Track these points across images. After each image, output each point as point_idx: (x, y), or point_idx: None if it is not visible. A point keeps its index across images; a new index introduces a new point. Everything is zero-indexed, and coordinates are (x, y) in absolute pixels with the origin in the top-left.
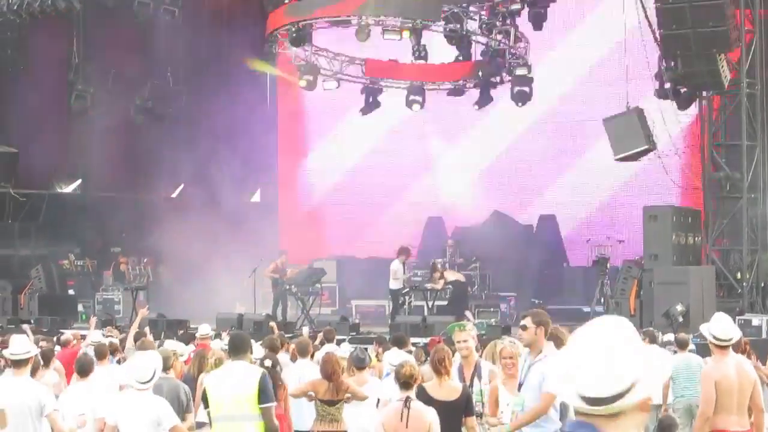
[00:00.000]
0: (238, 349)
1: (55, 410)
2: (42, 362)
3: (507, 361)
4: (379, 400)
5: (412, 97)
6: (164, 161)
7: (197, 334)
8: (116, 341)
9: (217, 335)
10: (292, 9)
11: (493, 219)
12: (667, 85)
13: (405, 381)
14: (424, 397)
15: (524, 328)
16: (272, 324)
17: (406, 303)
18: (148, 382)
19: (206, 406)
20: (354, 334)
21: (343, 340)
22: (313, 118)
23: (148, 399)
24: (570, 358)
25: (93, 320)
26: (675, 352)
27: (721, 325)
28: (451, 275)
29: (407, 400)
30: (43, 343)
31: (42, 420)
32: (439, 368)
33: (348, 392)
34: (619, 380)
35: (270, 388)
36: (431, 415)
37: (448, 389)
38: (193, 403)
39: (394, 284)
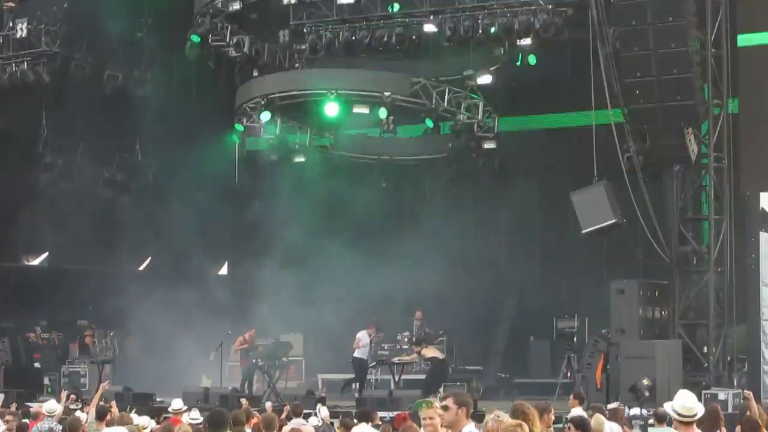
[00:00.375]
0: (217, 425)
1: None
2: None
3: None
4: None
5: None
6: (132, 234)
7: (170, 409)
8: (81, 414)
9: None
10: (261, 82)
11: (460, 292)
12: (635, 159)
13: None
14: None
15: (445, 408)
16: (242, 400)
17: (370, 374)
18: None
19: None
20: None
21: (310, 414)
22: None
23: None
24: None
25: (63, 393)
26: (651, 425)
27: (683, 402)
28: (430, 352)
29: None
30: (9, 417)
31: None
32: None
33: None
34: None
35: None
36: None
37: None
38: None
39: (358, 353)
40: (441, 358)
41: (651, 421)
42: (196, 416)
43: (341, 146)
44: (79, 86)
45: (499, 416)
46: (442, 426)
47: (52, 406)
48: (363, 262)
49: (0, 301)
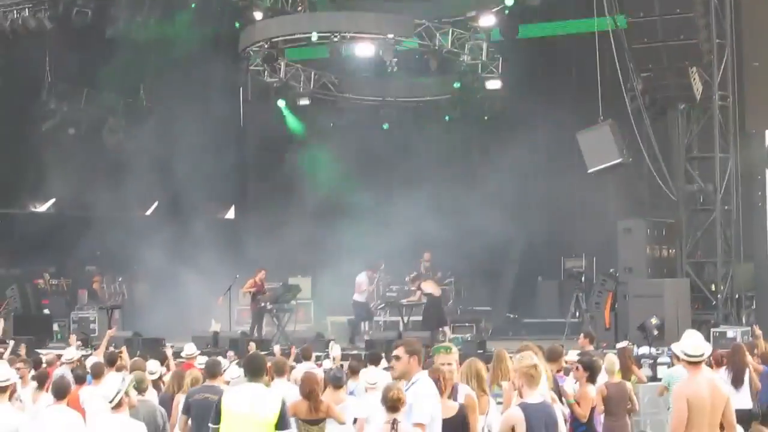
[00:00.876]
0: (255, 371)
1: None
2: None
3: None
4: (355, 419)
5: (383, 113)
6: (138, 179)
7: (183, 354)
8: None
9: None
10: (264, 26)
11: (467, 233)
12: (640, 99)
13: (392, 405)
14: None
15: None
16: (251, 344)
17: (378, 315)
18: (112, 400)
19: (216, 422)
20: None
21: (320, 357)
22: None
23: (126, 423)
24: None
25: (72, 338)
26: (671, 364)
27: (691, 342)
28: (428, 287)
29: (394, 422)
30: (20, 365)
31: None
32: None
33: (327, 413)
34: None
35: (288, 415)
36: None
37: (445, 408)
38: (168, 424)
39: (358, 297)
40: (437, 294)
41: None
42: (201, 362)
43: (345, 88)
44: (82, 32)
45: (523, 357)
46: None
47: (70, 353)
48: (368, 205)
49: (7, 248)
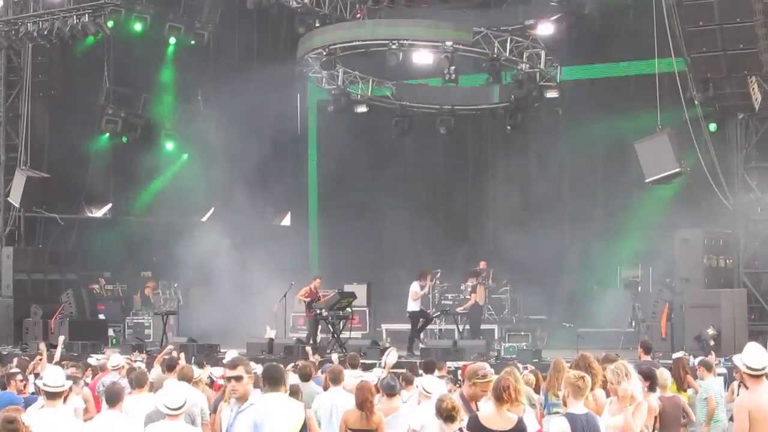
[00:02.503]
0: (275, 381)
1: None
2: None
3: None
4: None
5: (441, 120)
6: (195, 185)
7: (225, 361)
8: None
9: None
10: (323, 33)
11: (524, 242)
12: (698, 108)
13: (448, 415)
14: (476, 427)
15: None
16: (308, 348)
17: (434, 324)
18: (177, 408)
19: None
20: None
21: (373, 365)
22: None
23: (183, 426)
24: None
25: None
26: (728, 376)
27: (754, 355)
28: (477, 295)
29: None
30: (72, 369)
31: None
32: (501, 396)
33: (378, 428)
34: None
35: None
36: None
37: (504, 419)
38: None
39: (412, 306)
40: (480, 303)
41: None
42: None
43: (403, 96)
44: (141, 38)
45: (617, 369)
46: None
47: (116, 360)
48: (426, 212)
49: (63, 253)
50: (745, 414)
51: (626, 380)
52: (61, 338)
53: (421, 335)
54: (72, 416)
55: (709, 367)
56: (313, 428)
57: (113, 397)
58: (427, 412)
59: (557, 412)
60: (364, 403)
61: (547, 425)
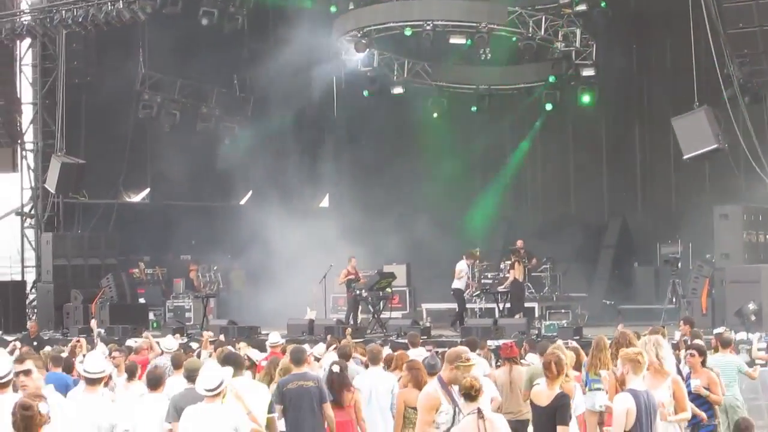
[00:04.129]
0: (299, 361)
1: (126, 430)
2: (127, 376)
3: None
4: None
5: (478, 99)
6: (232, 168)
7: (267, 343)
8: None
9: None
10: (357, 15)
11: (563, 219)
12: (736, 84)
13: (467, 393)
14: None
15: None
16: (348, 329)
17: (474, 303)
18: (214, 389)
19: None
20: (425, 337)
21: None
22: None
23: (223, 408)
24: None
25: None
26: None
27: None
28: (516, 272)
29: (479, 411)
30: (116, 354)
31: None
32: (545, 372)
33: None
34: None
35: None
36: (506, 426)
37: (547, 394)
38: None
39: (456, 283)
40: (520, 280)
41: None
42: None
43: (438, 77)
44: (175, 23)
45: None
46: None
47: (170, 343)
48: (464, 192)
49: (103, 238)
50: None
51: (660, 353)
52: (94, 326)
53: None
54: (110, 401)
55: (725, 344)
56: (359, 406)
57: (155, 381)
58: None
59: (598, 389)
60: (418, 382)
61: (591, 401)
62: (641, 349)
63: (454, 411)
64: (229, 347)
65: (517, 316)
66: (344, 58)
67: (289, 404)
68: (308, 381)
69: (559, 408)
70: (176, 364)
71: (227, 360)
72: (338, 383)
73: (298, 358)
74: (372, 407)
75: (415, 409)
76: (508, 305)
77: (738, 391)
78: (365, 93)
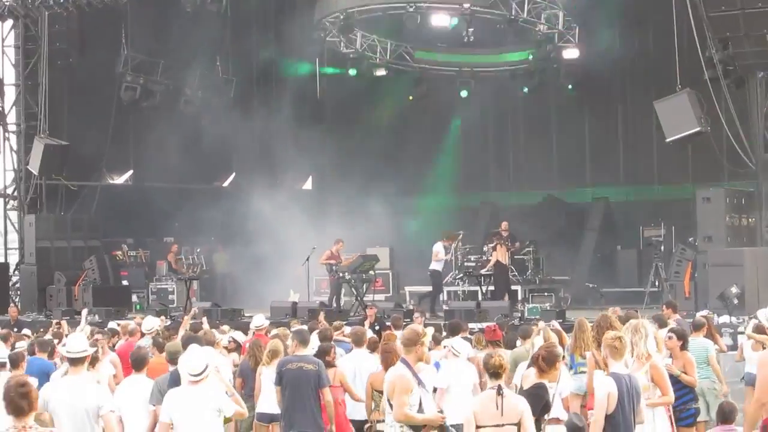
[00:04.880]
0: (305, 342)
1: (111, 411)
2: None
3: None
4: (435, 389)
5: (461, 82)
6: (215, 150)
7: (252, 325)
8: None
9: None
10: None
11: (546, 202)
12: (718, 67)
13: (494, 371)
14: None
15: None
16: (320, 314)
17: (457, 285)
18: (199, 374)
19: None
20: (408, 321)
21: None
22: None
23: (205, 392)
24: None
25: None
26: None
27: None
28: (499, 254)
29: (499, 388)
30: (98, 336)
31: (99, 420)
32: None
33: None
34: None
35: None
36: (523, 404)
37: (530, 379)
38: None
39: (434, 265)
40: (504, 263)
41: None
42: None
43: (421, 59)
44: (157, 4)
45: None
46: None
47: (150, 323)
48: (446, 175)
49: (85, 220)
50: (767, 369)
51: (643, 339)
52: (84, 311)
53: (443, 296)
54: (94, 382)
55: (697, 327)
56: (347, 386)
57: (139, 362)
58: (454, 371)
59: (583, 372)
60: (389, 365)
61: (576, 384)
62: (620, 334)
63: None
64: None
65: (505, 299)
66: (327, 40)
67: (286, 385)
68: (309, 364)
69: (530, 396)
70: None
71: (188, 342)
72: (325, 363)
73: (303, 339)
74: (356, 388)
75: (380, 392)
76: (491, 288)
77: (711, 374)
78: (351, 72)
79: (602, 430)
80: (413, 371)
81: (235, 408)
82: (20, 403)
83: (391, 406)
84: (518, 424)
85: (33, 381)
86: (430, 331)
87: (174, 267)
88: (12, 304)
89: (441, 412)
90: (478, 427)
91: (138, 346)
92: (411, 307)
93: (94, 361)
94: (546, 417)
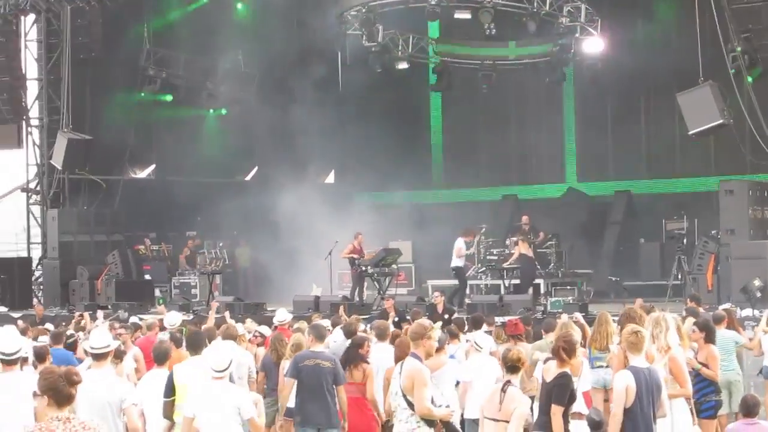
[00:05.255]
0: (322, 337)
1: (133, 404)
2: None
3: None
4: (458, 382)
5: (483, 75)
6: (238, 144)
7: (275, 320)
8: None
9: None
10: None
11: (568, 195)
12: (741, 59)
13: (512, 365)
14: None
15: None
16: (340, 307)
17: (479, 279)
18: (224, 370)
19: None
20: (429, 314)
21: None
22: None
23: (228, 389)
24: None
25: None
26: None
27: None
28: (523, 248)
29: (506, 383)
30: (121, 330)
31: (122, 414)
32: (555, 356)
33: None
34: None
35: None
36: (520, 407)
37: (552, 371)
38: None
39: (456, 262)
40: (530, 255)
41: None
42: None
43: (443, 52)
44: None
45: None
46: None
47: (173, 318)
48: (469, 168)
49: (108, 214)
50: None
51: (664, 332)
52: (100, 314)
53: (467, 291)
54: (116, 376)
55: (718, 320)
56: (371, 382)
57: (161, 356)
58: (477, 365)
59: (601, 366)
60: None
61: (595, 378)
62: (639, 328)
63: None
64: (230, 323)
65: (529, 292)
66: (349, 34)
67: (303, 381)
68: (325, 361)
69: (556, 387)
70: (179, 342)
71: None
72: (350, 358)
73: (320, 335)
74: (378, 382)
75: None
76: (516, 281)
77: (737, 366)
78: (376, 68)
79: (621, 424)
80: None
81: (253, 415)
82: (68, 391)
83: (406, 400)
84: None
85: None
86: (438, 326)
87: (193, 259)
88: (37, 302)
89: (448, 406)
90: (485, 417)
91: (160, 340)
92: (433, 301)
93: (120, 355)
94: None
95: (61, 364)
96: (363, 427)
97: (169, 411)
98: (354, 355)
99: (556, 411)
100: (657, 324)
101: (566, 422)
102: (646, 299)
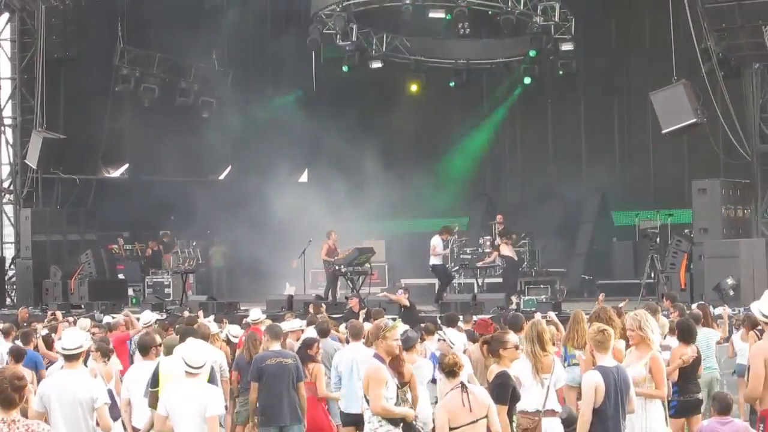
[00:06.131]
0: (278, 336)
1: (105, 404)
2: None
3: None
4: (434, 379)
5: (456, 75)
6: (211, 143)
7: (249, 320)
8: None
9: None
10: None
11: (542, 195)
12: (714, 59)
13: (450, 371)
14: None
15: None
16: (310, 306)
17: (455, 279)
18: (199, 368)
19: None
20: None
21: (394, 320)
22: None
23: (204, 387)
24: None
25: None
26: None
27: None
28: (505, 249)
29: (462, 385)
30: (95, 330)
31: (94, 413)
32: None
33: (411, 380)
34: None
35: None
36: (488, 397)
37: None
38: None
39: (434, 260)
40: (515, 258)
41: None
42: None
43: (417, 51)
44: None
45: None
46: None
47: (148, 317)
48: (443, 167)
49: (82, 214)
50: (760, 362)
51: (646, 326)
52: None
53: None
54: (88, 376)
55: (698, 319)
56: (321, 380)
57: (146, 348)
58: None
59: (576, 364)
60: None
61: (570, 376)
62: (605, 326)
63: (397, 386)
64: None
65: (513, 297)
66: (323, 33)
67: (266, 381)
68: (287, 358)
69: (497, 387)
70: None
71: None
72: (300, 358)
73: (275, 334)
74: (353, 380)
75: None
76: (490, 280)
77: (716, 364)
78: (344, 68)
79: (590, 424)
80: (385, 363)
81: (215, 414)
82: (12, 395)
83: (366, 400)
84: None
85: (28, 374)
86: (399, 324)
87: (164, 258)
88: (23, 307)
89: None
90: (452, 429)
91: (145, 332)
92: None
93: (107, 353)
94: (516, 406)
95: (29, 365)
96: (317, 423)
97: (154, 401)
98: (303, 356)
99: (501, 410)
100: (646, 319)
101: (511, 418)
102: (619, 298)
